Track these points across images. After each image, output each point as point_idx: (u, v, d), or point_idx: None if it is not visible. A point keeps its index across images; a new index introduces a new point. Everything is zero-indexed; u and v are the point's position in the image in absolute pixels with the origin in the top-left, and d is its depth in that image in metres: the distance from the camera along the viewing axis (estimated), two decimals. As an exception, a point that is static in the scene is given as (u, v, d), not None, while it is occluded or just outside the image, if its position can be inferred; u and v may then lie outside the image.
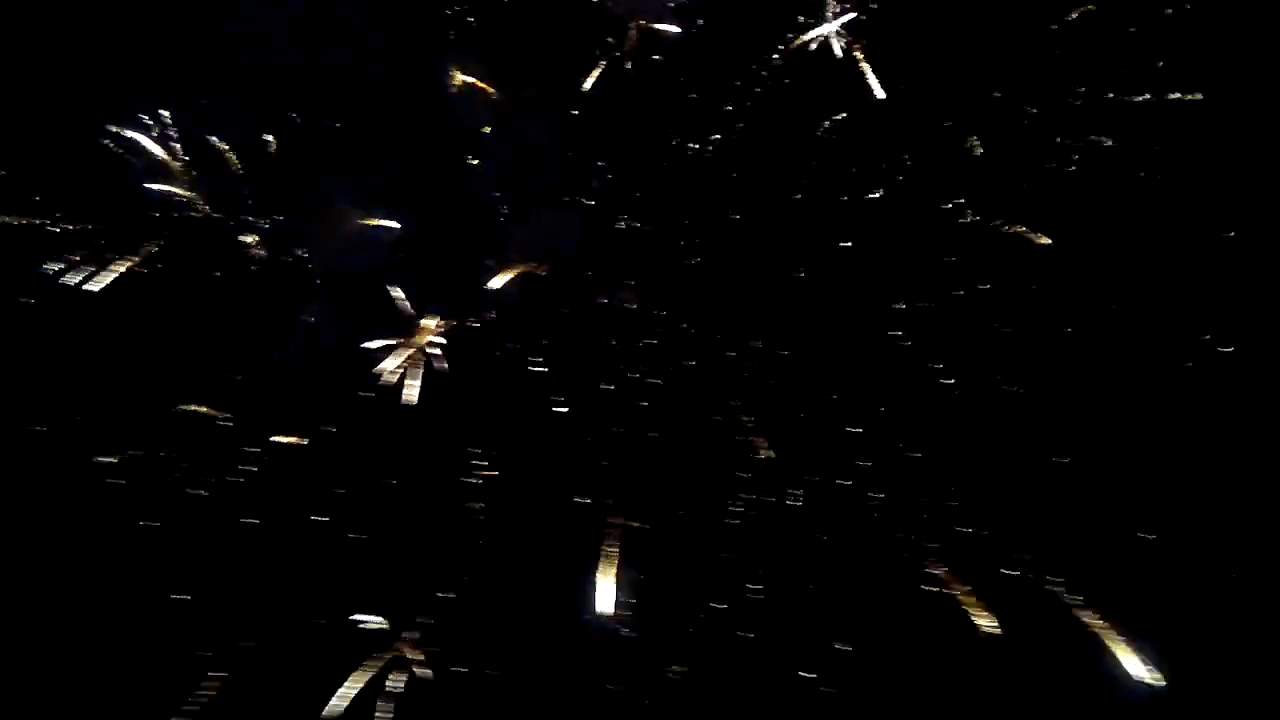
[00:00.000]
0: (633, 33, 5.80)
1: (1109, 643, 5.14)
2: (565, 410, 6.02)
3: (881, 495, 5.62)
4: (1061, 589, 5.25)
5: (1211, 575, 5.21)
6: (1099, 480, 5.43)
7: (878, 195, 5.82)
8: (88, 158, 6.28)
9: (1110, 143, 5.38)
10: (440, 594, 5.97)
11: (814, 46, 5.69)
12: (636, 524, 5.82)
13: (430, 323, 6.25)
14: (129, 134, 6.21)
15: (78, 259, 6.31)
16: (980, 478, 5.53)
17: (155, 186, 6.28)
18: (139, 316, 6.43)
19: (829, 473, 5.69)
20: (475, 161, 6.08)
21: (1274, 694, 5.02)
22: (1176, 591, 5.26)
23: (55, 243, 6.34)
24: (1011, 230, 5.60)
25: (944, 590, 5.37)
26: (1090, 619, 5.16)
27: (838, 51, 5.66)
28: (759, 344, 5.86)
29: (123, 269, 6.30)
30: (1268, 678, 5.04)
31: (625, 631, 5.72)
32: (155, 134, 6.23)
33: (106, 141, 6.21)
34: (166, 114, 6.20)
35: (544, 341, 6.13)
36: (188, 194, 6.34)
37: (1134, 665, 5.09)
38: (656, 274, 5.98)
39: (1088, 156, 5.47)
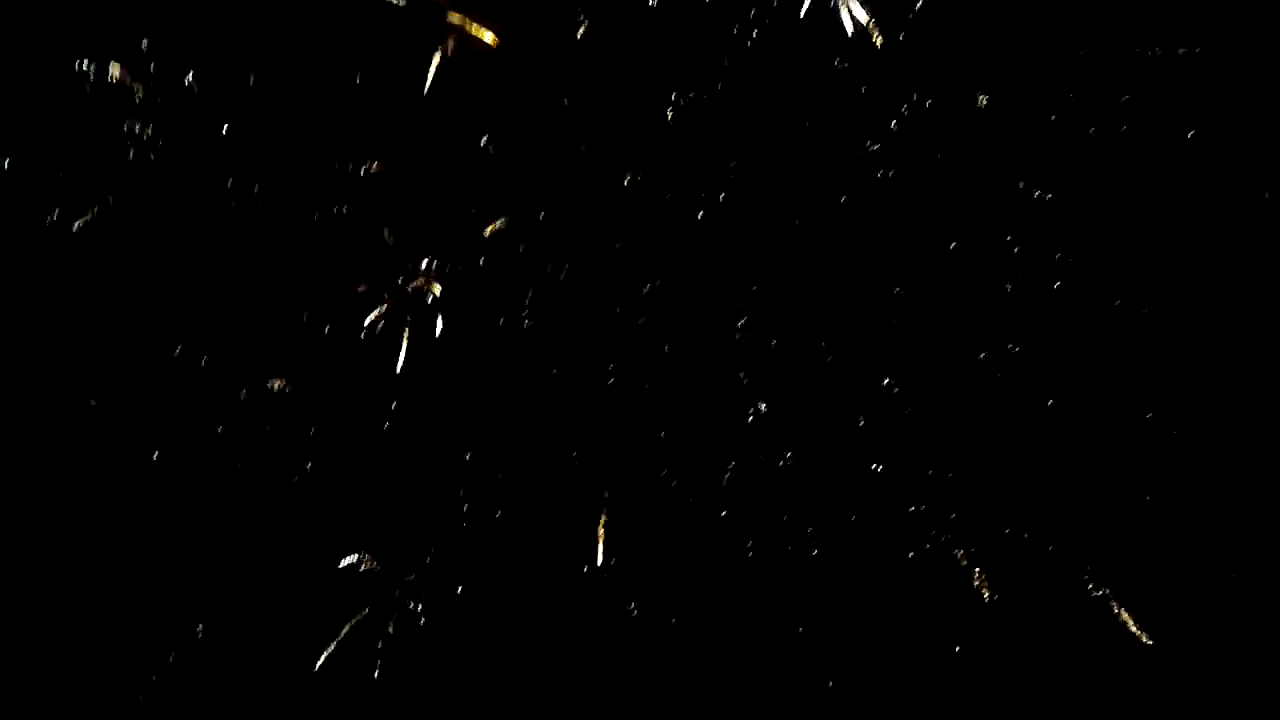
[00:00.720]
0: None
1: (1106, 605, 5.19)
2: (556, 364, 5.95)
3: (879, 454, 5.62)
4: (1060, 555, 5.29)
5: (1207, 540, 5.24)
6: (1096, 444, 5.43)
7: (876, 147, 5.69)
8: (59, 94, 6.06)
9: (1126, 97, 5.24)
10: (435, 537, 5.96)
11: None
12: (629, 478, 5.81)
13: (419, 267, 6.13)
14: (103, 68, 5.97)
15: (49, 198, 6.15)
16: (978, 442, 5.52)
17: (129, 124, 6.09)
18: (114, 257, 6.28)
19: (826, 433, 5.67)
20: (465, 106, 5.90)
21: (1267, 652, 5.10)
22: (1170, 551, 5.30)
23: (25, 182, 6.16)
24: (1016, 186, 5.51)
25: (942, 554, 5.39)
26: (1088, 583, 5.20)
27: (846, 20, 5.44)
28: (757, 301, 5.78)
29: (97, 210, 6.14)
30: (1261, 637, 5.11)
31: (617, 583, 5.75)
32: (131, 70, 5.99)
33: (78, 77, 5.97)
34: (144, 47, 5.96)
35: (533, 292, 6.03)
36: (162, 132, 6.14)
37: (1128, 625, 5.15)
38: (652, 226, 5.85)
39: (1100, 114, 5.34)
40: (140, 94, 6.04)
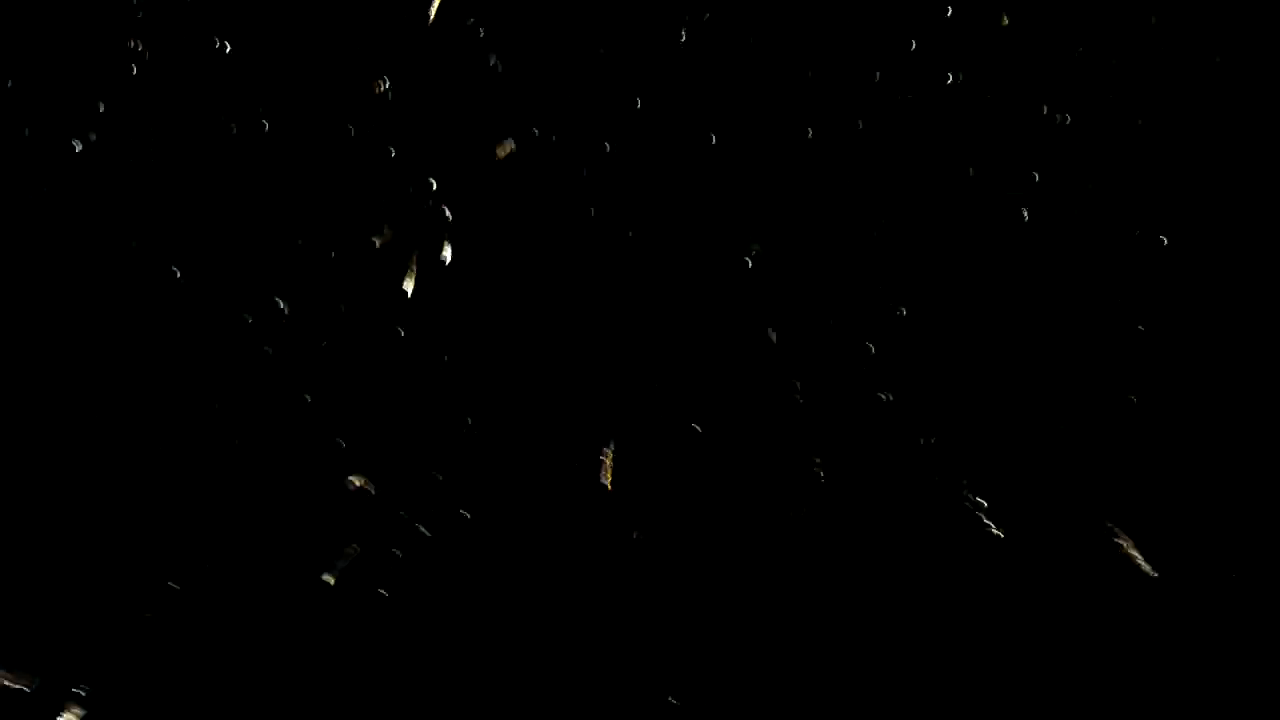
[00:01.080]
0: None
1: (1111, 538, 5.22)
2: (566, 289, 5.93)
3: (888, 384, 5.61)
4: (1067, 489, 5.30)
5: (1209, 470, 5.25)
6: (1107, 376, 5.42)
7: (894, 69, 5.60)
8: (58, 12, 5.98)
9: (1154, 20, 5.16)
10: (442, 462, 5.97)
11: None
12: (637, 406, 5.82)
13: (427, 190, 6.08)
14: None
15: (50, 118, 6.09)
16: (989, 373, 5.51)
17: (130, 42, 6.01)
18: (117, 178, 6.24)
19: (834, 361, 5.66)
20: (475, 24, 5.82)
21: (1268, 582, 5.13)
22: (1177, 484, 5.32)
23: (25, 102, 6.09)
24: (1040, 110, 5.44)
25: (950, 488, 5.41)
26: (1093, 516, 5.22)
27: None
28: (769, 227, 5.74)
29: (99, 130, 6.08)
30: (1263, 569, 5.13)
31: (624, 508, 5.78)
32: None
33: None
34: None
35: (543, 216, 5.98)
36: (165, 50, 6.06)
37: (1133, 556, 5.18)
38: (664, 150, 5.80)
39: (1125, 39, 5.26)
40: (140, 10, 5.96)
